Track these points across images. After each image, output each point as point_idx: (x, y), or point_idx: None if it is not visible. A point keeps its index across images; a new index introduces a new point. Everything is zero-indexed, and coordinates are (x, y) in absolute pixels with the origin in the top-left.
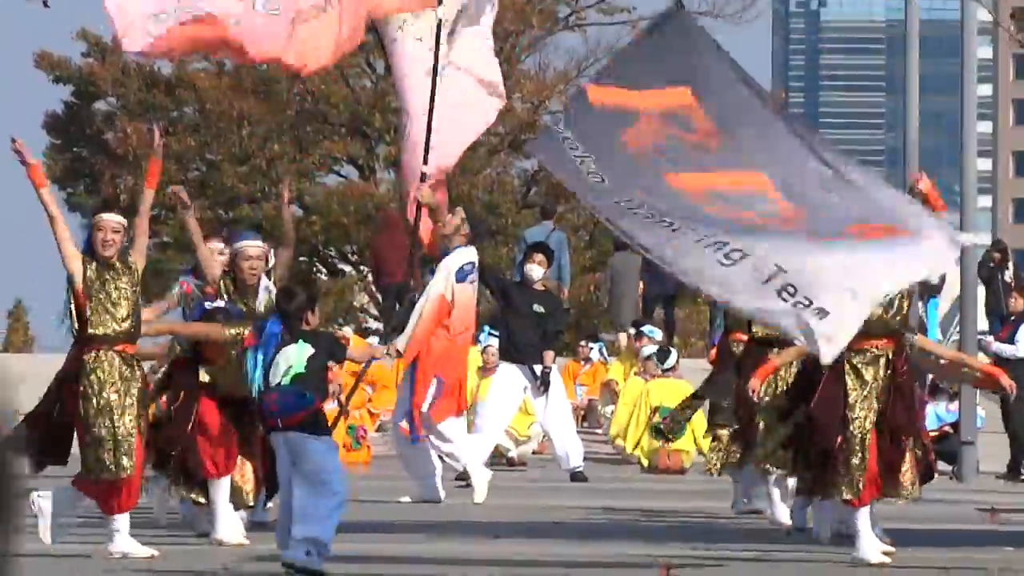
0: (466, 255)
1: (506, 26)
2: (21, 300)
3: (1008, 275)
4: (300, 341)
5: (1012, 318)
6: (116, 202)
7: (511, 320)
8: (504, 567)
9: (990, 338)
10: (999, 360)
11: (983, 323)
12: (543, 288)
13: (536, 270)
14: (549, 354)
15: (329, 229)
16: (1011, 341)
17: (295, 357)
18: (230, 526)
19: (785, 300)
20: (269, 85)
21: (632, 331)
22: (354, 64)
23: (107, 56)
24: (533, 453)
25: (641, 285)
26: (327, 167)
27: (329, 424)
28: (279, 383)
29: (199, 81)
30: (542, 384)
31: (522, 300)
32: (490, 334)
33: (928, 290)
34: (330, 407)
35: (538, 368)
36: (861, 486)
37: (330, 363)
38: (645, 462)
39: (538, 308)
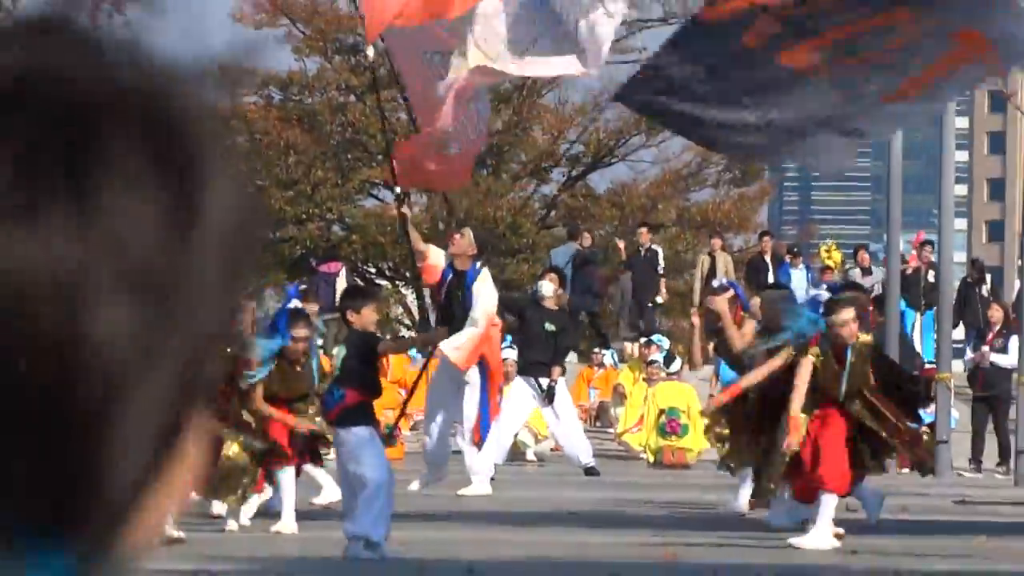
0: (487, 272)
1: None
2: None
3: (985, 290)
4: (341, 345)
5: (997, 327)
6: None
7: (524, 337)
8: (523, 552)
9: (986, 348)
10: (992, 368)
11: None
12: (555, 306)
13: (547, 286)
14: (556, 370)
15: (367, 247)
16: (1003, 351)
17: (336, 360)
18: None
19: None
20: (313, 117)
21: (642, 340)
22: (390, 98)
23: None
24: (551, 451)
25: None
26: (366, 191)
27: (366, 415)
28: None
29: (250, 113)
30: (547, 397)
31: (535, 319)
32: (508, 346)
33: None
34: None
35: (544, 381)
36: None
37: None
38: (651, 458)
39: (550, 327)
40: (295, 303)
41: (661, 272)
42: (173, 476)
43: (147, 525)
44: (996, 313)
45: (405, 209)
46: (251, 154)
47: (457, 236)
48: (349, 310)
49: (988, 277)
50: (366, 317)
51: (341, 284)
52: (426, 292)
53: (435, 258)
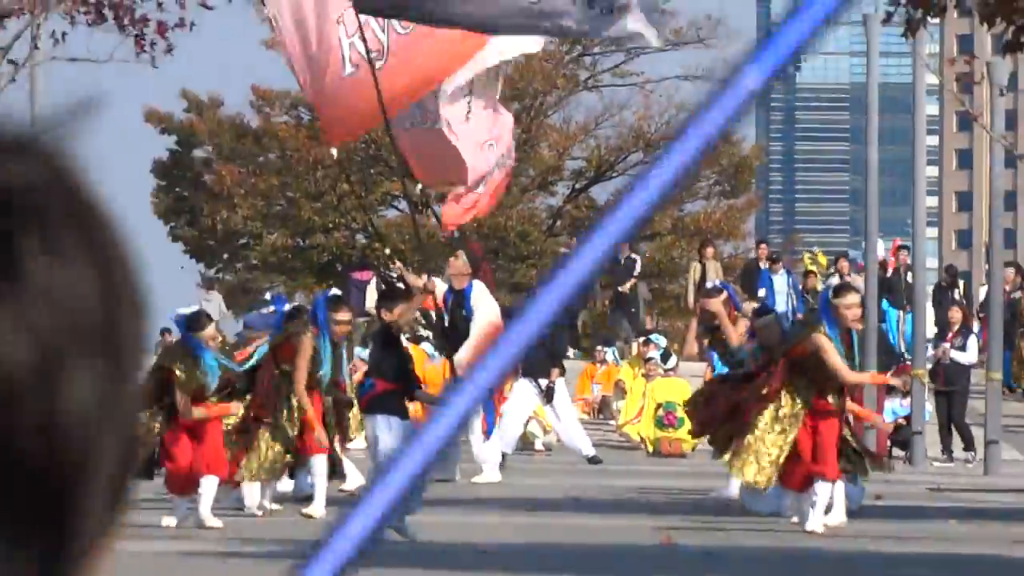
0: (482, 286)
1: (536, 87)
2: None
3: (957, 293)
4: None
5: (956, 327)
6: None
7: None
8: (531, 536)
9: (947, 345)
10: (951, 364)
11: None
12: None
13: None
14: (555, 371)
15: (391, 255)
16: (962, 348)
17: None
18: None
19: None
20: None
21: (641, 339)
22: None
23: (203, 112)
24: (557, 441)
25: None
26: (387, 203)
27: (393, 403)
28: None
29: (281, 132)
30: (546, 396)
31: None
32: None
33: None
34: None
35: (543, 382)
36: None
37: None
38: (650, 448)
39: None
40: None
41: (635, 275)
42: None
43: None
44: (956, 314)
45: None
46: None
47: (452, 259)
48: (383, 308)
49: (961, 283)
50: (398, 314)
51: (371, 291)
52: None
53: (438, 289)
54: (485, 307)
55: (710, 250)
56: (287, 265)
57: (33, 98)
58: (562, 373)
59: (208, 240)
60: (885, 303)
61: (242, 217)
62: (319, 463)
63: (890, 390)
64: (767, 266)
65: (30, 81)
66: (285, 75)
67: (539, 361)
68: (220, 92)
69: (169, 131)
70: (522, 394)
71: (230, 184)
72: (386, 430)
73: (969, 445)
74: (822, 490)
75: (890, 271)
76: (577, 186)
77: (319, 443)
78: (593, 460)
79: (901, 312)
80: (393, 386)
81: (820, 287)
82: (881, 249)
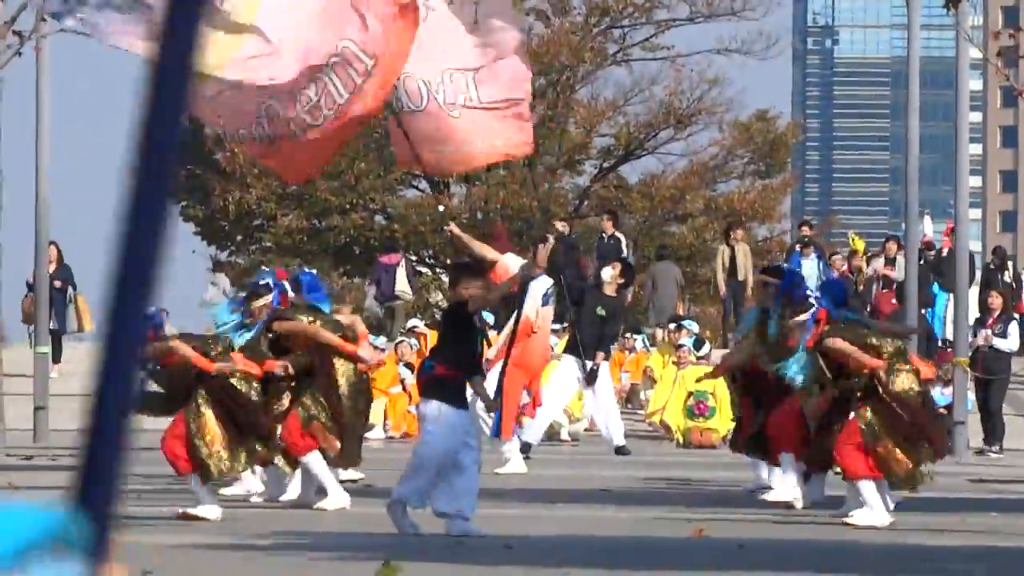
0: (546, 282)
1: (563, 60)
2: None
3: (1008, 275)
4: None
5: (996, 313)
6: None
7: (580, 319)
8: (558, 528)
9: (987, 331)
10: (991, 352)
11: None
12: (613, 292)
13: (607, 271)
14: (600, 355)
15: (408, 236)
16: (1003, 335)
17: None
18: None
19: None
20: None
21: (672, 325)
22: None
23: None
24: (584, 431)
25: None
26: (407, 182)
27: (451, 389)
28: None
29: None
30: (589, 378)
31: (591, 302)
32: (562, 328)
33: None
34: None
35: (590, 364)
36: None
37: (479, 323)
38: (680, 438)
39: (600, 312)
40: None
41: (624, 254)
42: None
43: None
44: (996, 300)
45: (451, 227)
46: None
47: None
48: (460, 284)
49: (1010, 264)
50: (473, 292)
51: (401, 274)
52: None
53: (509, 263)
54: (531, 300)
55: (739, 232)
56: (302, 248)
57: (39, 71)
58: (606, 357)
59: (220, 221)
60: (936, 286)
61: (256, 197)
62: (313, 460)
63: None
64: (798, 249)
65: (36, 54)
66: None
67: (589, 342)
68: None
69: None
70: (565, 376)
71: (243, 163)
72: (434, 419)
73: (993, 437)
74: (866, 488)
75: (945, 252)
76: (605, 165)
77: (306, 439)
78: (621, 451)
79: (951, 295)
80: (451, 372)
81: (865, 269)
82: (929, 228)
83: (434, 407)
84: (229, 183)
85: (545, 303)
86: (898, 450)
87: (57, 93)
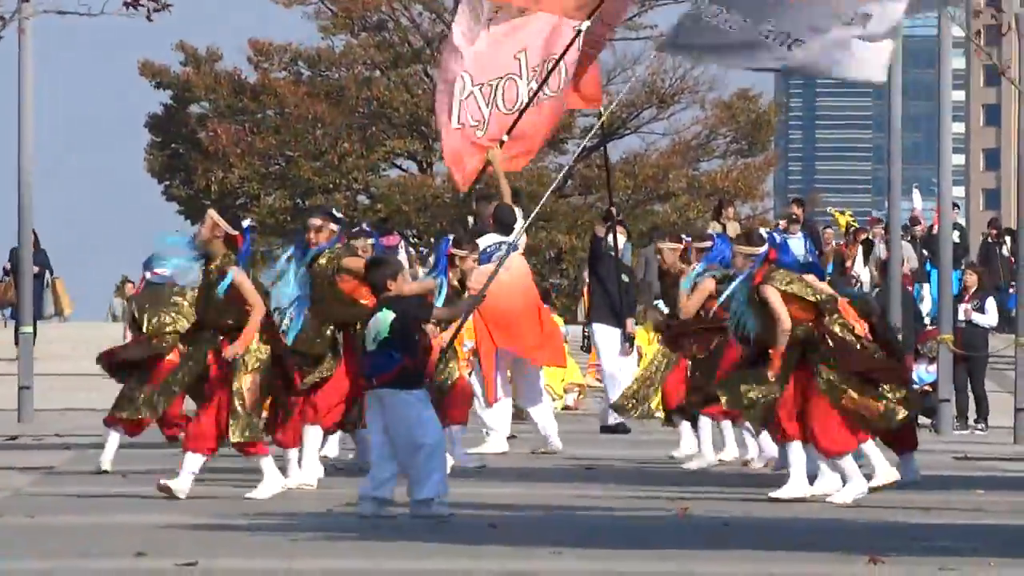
0: (490, 239)
1: None
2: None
3: (1006, 249)
4: (384, 308)
5: (973, 290)
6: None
7: (608, 286)
8: (543, 508)
9: (966, 306)
10: (968, 327)
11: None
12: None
13: (620, 237)
14: (629, 321)
15: (391, 216)
16: (980, 311)
17: (381, 324)
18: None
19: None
20: (339, 92)
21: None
22: (414, 72)
23: (201, 66)
24: (563, 409)
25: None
26: (390, 162)
27: (420, 378)
28: (371, 350)
29: (280, 88)
30: (629, 344)
31: (616, 269)
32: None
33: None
34: None
35: (625, 330)
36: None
37: (425, 321)
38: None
39: (625, 278)
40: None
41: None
42: None
43: None
44: (970, 278)
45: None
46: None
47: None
48: (389, 280)
49: (1007, 238)
50: (398, 283)
51: (403, 256)
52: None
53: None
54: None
55: (730, 210)
56: (286, 228)
57: (22, 53)
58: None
59: (203, 201)
60: (928, 264)
61: (238, 177)
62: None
63: (916, 356)
64: (783, 227)
65: (19, 35)
66: (283, 28)
67: (622, 310)
68: (219, 46)
69: (165, 85)
70: (609, 346)
71: (225, 143)
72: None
73: (981, 414)
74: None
75: (936, 229)
76: (588, 144)
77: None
78: (607, 429)
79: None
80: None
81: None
82: (919, 202)
83: (414, 395)
84: (212, 163)
85: (486, 260)
86: (858, 395)
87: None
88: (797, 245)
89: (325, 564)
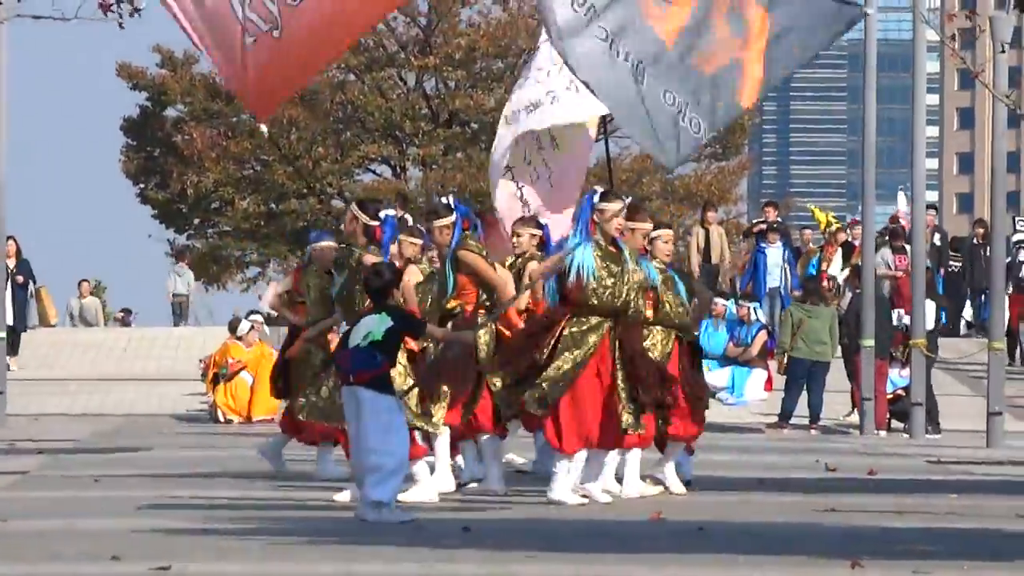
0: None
1: (521, 44)
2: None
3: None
4: (382, 313)
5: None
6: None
7: None
8: (516, 511)
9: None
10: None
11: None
12: None
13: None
14: None
15: None
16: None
17: (375, 325)
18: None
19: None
20: (314, 95)
21: None
22: (388, 77)
23: (178, 69)
24: None
25: None
26: (364, 166)
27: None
28: (357, 344)
29: None
30: None
31: None
32: None
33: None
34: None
35: None
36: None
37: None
38: None
39: None
40: None
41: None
42: None
43: None
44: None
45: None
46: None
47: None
48: (394, 289)
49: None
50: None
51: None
52: None
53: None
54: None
55: (712, 214)
56: (260, 232)
57: None
58: None
59: (178, 205)
60: None
61: (213, 181)
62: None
63: (890, 360)
64: (763, 235)
65: None
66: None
67: None
68: (195, 50)
69: (141, 87)
70: None
71: (201, 147)
72: (387, 409)
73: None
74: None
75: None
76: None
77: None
78: None
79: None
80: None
81: (812, 245)
82: (903, 204)
83: (389, 400)
84: (187, 167)
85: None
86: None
87: (14, 79)
88: (776, 254)
89: (298, 568)
